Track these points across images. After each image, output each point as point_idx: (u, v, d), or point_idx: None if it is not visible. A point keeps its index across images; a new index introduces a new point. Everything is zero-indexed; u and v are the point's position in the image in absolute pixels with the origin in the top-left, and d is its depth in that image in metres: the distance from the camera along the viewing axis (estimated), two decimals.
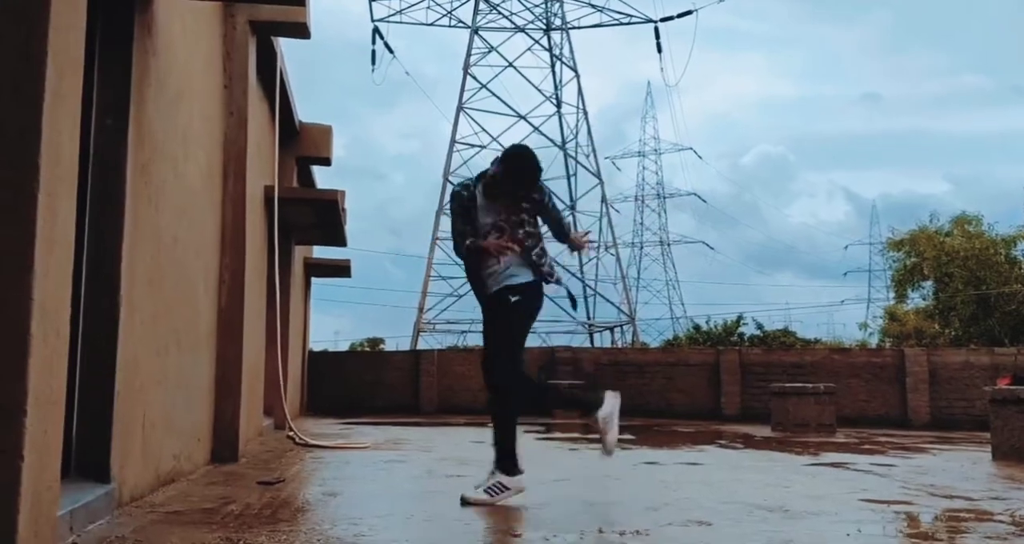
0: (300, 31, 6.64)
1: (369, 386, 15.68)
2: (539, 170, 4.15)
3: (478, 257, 4.19)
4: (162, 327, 4.26)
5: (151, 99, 3.94)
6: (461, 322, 37.18)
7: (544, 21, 42.63)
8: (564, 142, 41.31)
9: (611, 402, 4.27)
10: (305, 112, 10.02)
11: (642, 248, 65.14)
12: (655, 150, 66.43)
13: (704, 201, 67.25)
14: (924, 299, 26.70)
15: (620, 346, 34.65)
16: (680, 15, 40.99)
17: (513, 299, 4.12)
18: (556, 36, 42.77)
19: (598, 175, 41.38)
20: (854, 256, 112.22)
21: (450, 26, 42.45)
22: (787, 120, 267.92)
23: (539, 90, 41.54)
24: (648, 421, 12.84)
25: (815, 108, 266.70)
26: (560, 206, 4.43)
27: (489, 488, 3.99)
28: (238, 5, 6.06)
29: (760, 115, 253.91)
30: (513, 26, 42.18)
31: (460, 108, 40.26)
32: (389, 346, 36.36)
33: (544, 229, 4.41)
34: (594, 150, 41.69)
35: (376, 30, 41.21)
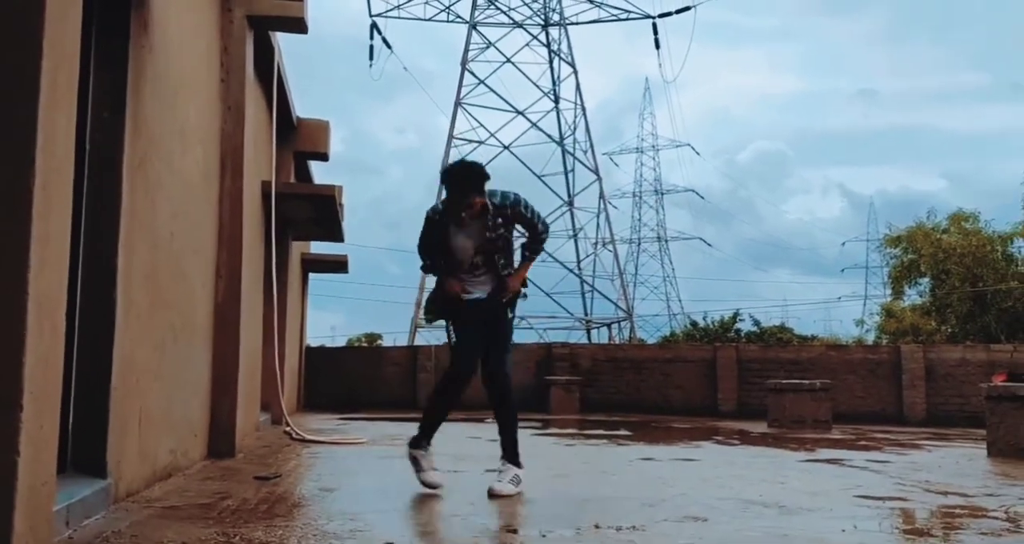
0: (297, 26, 6.62)
1: (366, 381, 15.65)
2: (472, 170, 4.18)
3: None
4: (159, 322, 4.25)
5: (148, 93, 3.93)
6: None
7: (542, 17, 42.56)
8: (562, 138, 41.25)
9: (512, 482, 4.14)
10: (303, 107, 10.02)
11: (639, 244, 65.19)
12: (653, 146, 66.42)
13: (702, 197, 67.32)
14: (921, 296, 26.69)
15: (617, 342, 34.66)
16: (678, 11, 40.86)
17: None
18: (554, 32, 42.71)
19: (596, 171, 41.34)
20: (851, 253, 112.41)
21: (448, 21, 42.33)
22: (784, 116, 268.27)
23: (537, 86, 41.51)
24: (645, 417, 12.87)
25: (812, 104, 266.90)
26: (543, 214, 4.44)
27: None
28: None
29: (757, 111, 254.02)
30: (511, 21, 42.14)
31: (458, 103, 40.20)
32: (387, 341, 36.41)
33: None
34: (592, 146, 41.65)
35: (374, 25, 41.09)
